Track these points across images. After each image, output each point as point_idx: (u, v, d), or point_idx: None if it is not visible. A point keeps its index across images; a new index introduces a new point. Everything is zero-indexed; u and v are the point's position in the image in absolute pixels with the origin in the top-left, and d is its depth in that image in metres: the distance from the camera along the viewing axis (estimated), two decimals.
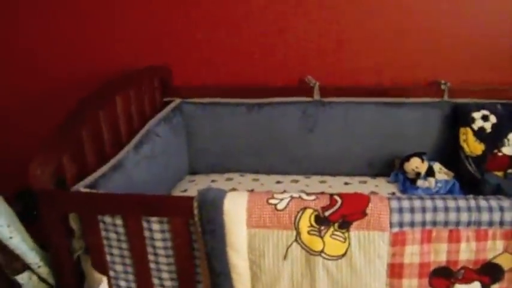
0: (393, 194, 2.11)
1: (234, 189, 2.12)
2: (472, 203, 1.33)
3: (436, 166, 2.17)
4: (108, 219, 1.54)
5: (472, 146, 2.11)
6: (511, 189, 1.97)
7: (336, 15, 2.26)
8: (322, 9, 2.26)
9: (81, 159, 1.74)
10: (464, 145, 2.13)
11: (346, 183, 2.25)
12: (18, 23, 2.43)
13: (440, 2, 2.20)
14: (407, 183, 2.14)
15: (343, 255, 1.36)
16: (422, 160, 2.14)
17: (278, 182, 2.28)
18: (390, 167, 2.26)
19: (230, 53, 2.38)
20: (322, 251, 1.35)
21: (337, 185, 2.23)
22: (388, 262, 1.36)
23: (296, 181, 2.29)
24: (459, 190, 2.08)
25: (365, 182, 2.25)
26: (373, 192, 2.12)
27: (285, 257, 1.38)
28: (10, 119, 2.58)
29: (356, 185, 2.22)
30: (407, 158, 2.15)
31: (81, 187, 1.59)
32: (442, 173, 2.16)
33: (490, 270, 1.36)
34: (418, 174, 2.12)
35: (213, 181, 2.32)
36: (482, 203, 1.33)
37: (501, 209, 1.32)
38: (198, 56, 2.40)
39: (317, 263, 1.36)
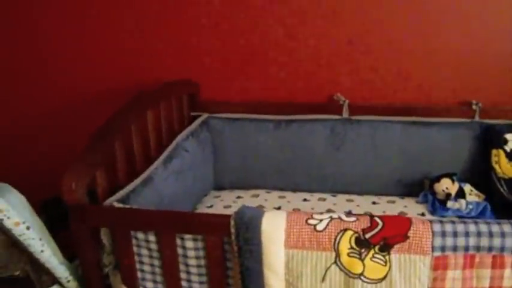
0: (422, 214, 2.08)
1: (261, 206, 2.12)
2: None
3: (467, 187, 2.14)
4: (140, 235, 1.52)
5: (505, 167, 2.08)
6: None
7: (366, 33, 2.25)
8: (354, 28, 2.25)
9: (113, 173, 1.73)
10: (497, 167, 2.10)
11: (374, 203, 2.22)
12: (58, 33, 2.46)
13: (471, 21, 2.18)
14: (437, 204, 2.10)
15: (383, 278, 1.33)
16: (453, 181, 2.11)
17: (305, 200, 2.26)
18: (419, 187, 2.23)
19: (258, 68, 2.37)
20: (361, 274, 1.33)
21: (364, 204, 2.20)
22: (429, 286, 1.33)
23: (323, 199, 2.26)
24: (490, 212, 2.05)
25: (393, 202, 2.22)
26: (402, 213, 2.09)
27: (323, 279, 1.35)
28: (41, 127, 2.59)
29: (384, 205, 2.19)
30: (438, 179, 2.12)
31: (113, 202, 1.58)
32: (473, 195, 2.13)
33: None
34: (448, 196, 2.08)
35: (238, 197, 2.30)
36: None
37: None
38: (226, 70, 2.39)
39: (356, 286, 1.34)
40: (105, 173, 1.65)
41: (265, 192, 2.34)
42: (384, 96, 2.30)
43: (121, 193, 1.67)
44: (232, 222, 1.39)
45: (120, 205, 1.56)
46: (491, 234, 1.29)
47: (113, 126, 1.76)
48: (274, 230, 1.36)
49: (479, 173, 2.18)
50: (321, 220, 1.35)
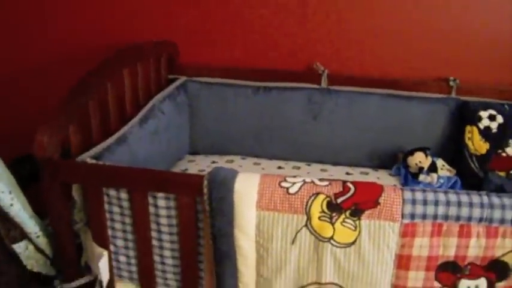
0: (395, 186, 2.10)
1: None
2: (485, 199, 1.32)
3: (439, 162, 2.16)
4: (112, 192, 1.52)
5: (477, 144, 2.11)
6: None
7: (350, 5, 2.24)
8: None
9: (87, 130, 1.71)
10: (469, 143, 2.12)
11: (347, 173, 2.24)
12: None
13: None
14: (409, 177, 2.13)
15: (353, 243, 1.35)
16: (426, 155, 2.13)
17: (279, 168, 2.26)
18: (392, 160, 2.25)
19: (239, 34, 2.34)
20: (331, 238, 1.34)
21: (338, 174, 2.22)
22: (397, 253, 1.36)
23: (298, 168, 2.27)
24: (460, 187, 2.08)
25: (367, 174, 2.24)
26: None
27: (293, 242, 1.37)
28: (16, 84, 2.54)
29: (357, 176, 2.21)
30: (411, 152, 2.14)
31: (87, 158, 1.56)
32: (444, 170, 2.16)
33: (497, 268, 1.36)
34: (420, 169, 2.11)
35: (213, 162, 2.30)
36: (496, 200, 1.32)
37: None
38: (206, 34, 2.36)
39: (325, 250, 1.35)
40: (79, 131, 1.63)
41: (241, 159, 2.34)
42: (362, 68, 2.30)
43: (94, 150, 1.65)
44: (205, 182, 1.39)
45: (93, 161, 1.54)
46: (459, 204, 1.32)
47: (88, 83, 1.73)
48: (246, 191, 1.36)
49: (452, 149, 2.21)
50: (294, 183, 1.36)
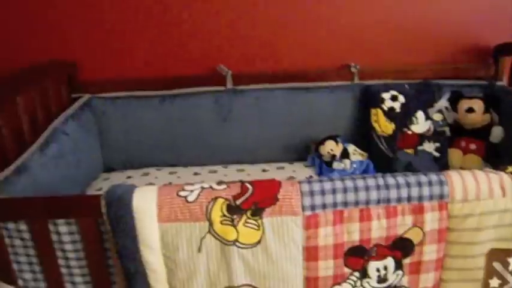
0: (311, 177, 2.13)
1: (151, 184, 2.08)
2: (380, 181, 1.35)
3: (351, 148, 2.20)
4: (11, 225, 1.45)
5: (383, 125, 2.16)
6: (421, 165, 2.04)
7: (246, 4, 2.24)
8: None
9: None
10: (376, 125, 2.17)
11: (264, 170, 2.25)
12: None
13: None
14: (324, 166, 2.16)
15: (258, 242, 1.34)
16: (337, 142, 2.16)
17: (196, 174, 2.24)
18: (307, 152, 2.27)
19: (139, 44, 2.31)
20: (236, 240, 1.33)
21: (255, 172, 2.23)
22: (304, 246, 1.36)
23: (214, 171, 2.26)
24: (373, 170, 2.13)
25: (283, 168, 2.26)
26: (291, 178, 2.13)
27: (199, 250, 1.35)
28: None
29: (274, 172, 2.23)
30: (322, 142, 2.17)
31: None
32: (356, 154, 2.20)
33: (401, 245, 1.39)
34: (333, 157, 2.14)
35: (128, 177, 2.25)
36: (390, 180, 1.35)
37: (408, 185, 1.34)
38: (106, 49, 2.31)
39: (232, 253, 1.34)
40: None
41: (156, 170, 2.30)
42: (265, 65, 2.31)
43: None
44: (102, 202, 1.35)
45: None
46: (356, 189, 1.34)
47: None
48: (145, 205, 1.33)
49: (361, 133, 2.26)
50: (191, 191, 1.34)
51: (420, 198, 1.35)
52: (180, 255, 1.35)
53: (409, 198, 1.35)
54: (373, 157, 2.18)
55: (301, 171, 2.21)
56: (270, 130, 2.28)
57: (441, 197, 1.35)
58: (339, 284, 1.41)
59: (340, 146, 2.16)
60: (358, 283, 1.42)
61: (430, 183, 1.35)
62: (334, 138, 2.17)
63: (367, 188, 1.34)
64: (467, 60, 2.34)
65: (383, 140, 2.15)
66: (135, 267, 1.38)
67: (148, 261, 1.37)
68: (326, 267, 1.38)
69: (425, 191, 1.35)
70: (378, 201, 1.34)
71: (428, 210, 1.36)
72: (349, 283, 1.42)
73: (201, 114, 2.27)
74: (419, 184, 1.35)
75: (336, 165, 2.13)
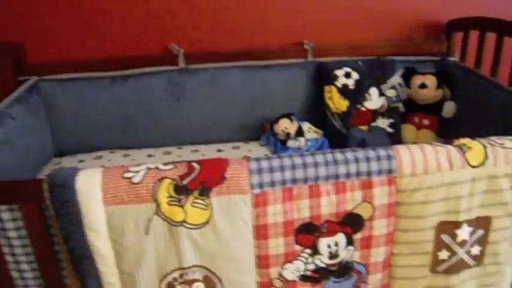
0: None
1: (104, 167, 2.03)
2: (329, 157, 1.34)
3: (306, 126, 2.19)
4: None
5: (337, 102, 2.16)
6: (374, 141, 2.05)
7: None
8: None
9: None
10: (330, 103, 2.17)
11: (219, 150, 2.22)
12: None
13: None
14: (279, 145, 2.15)
15: (207, 222, 1.32)
16: (291, 120, 2.15)
17: (150, 156, 2.21)
18: (261, 130, 2.26)
19: (89, 25, 2.24)
20: (184, 221, 1.31)
21: (210, 153, 2.20)
22: (253, 224, 1.35)
23: (169, 152, 2.23)
24: (328, 147, 2.13)
25: (238, 148, 2.24)
26: (246, 157, 2.10)
27: (147, 232, 1.32)
28: None
29: (229, 151, 2.21)
30: (276, 120, 2.16)
31: None
32: (311, 132, 2.19)
33: (351, 221, 1.39)
34: (288, 135, 2.13)
35: (80, 161, 2.20)
36: (339, 156, 1.34)
37: (356, 160, 1.34)
38: (53, 30, 2.24)
39: (180, 234, 1.32)
40: None
41: (109, 153, 2.26)
42: (218, 43, 2.27)
43: None
44: (45, 186, 1.30)
45: None
46: (305, 166, 1.32)
47: None
48: (89, 188, 1.29)
49: (316, 111, 2.25)
50: (137, 172, 1.31)
51: (369, 173, 1.35)
52: (128, 238, 1.32)
53: (358, 174, 1.35)
54: (327, 134, 2.18)
55: (257, 150, 2.20)
56: (225, 109, 2.25)
57: (389, 171, 1.35)
58: (291, 261, 1.41)
59: (295, 124, 2.15)
60: (310, 260, 1.41)
61: (378, 158, 1.35)
62: (288, 116, 2.16)
63: (315, 165, 1.33)
64: (420, 36, 2.36)
65: (337, 117, 2.15)
66: (83, 252, 1.34)
67: (96, 246, 1.33)
68: (277, 245, 1.37)
69: (374, 166, 1.35)
70: (327, 177, 1.34)
71: (377, 185, 1.36)
72: (301, 260, 1.41)
73: (153, 95, 2.22)
74: (368, 159, 1.35)
75: (290, 143, 2.12)
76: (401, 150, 1.37)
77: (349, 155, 1.35)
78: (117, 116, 2.24)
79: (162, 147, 2.27)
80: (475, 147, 1.40)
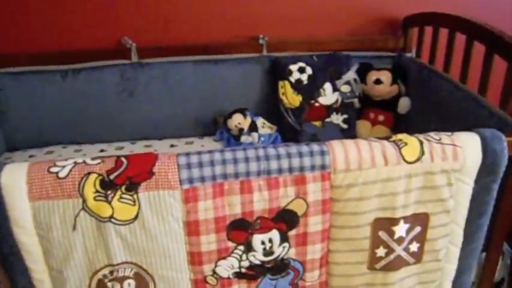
0: None
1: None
2: (261, 152, 1.32)
3: (259, 121, 2.18)
4: None
5: (291, 98, 2.14)
6: (326, 137, 2.03)
7: None
8: None
9: None
10: (284, 98, 2.15)
11: (172, 146, 2.20)
12: None
13: None
14: (232, 140, 2.13)
15: (135, 218, 1.29)
16: (245, 116, 2.14)
17: (102, 151, 2.18)
18: (215, 126, 2.23)
19: (39, 16, 2.20)
20: (111, 217, 1.28)
21: (163, 148, 2.18)
22: (184, 220, 1.32)
23: (121, 148, 2.21)
24: (281, 142, 2.11)
25: (192, 143, 2.22)
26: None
27: (74, 228, 1.29)
28: None
29: (182, 147, 2.19)
30: (230, 115, 2.14)
31: None
32: (265, 127, 2.18)
33: (285, 217, 1.37)
34: (241, 130, 2.11)
35: (31, 156, 2.17)
36: (271, 151, 1.32)
37: (288, 156, 1.32)
38: (2, 22, 2.19)
39: (108, 230, 1.29)
40: None
41: (61, 148, 2.23)
42: (172, 37, 2.25)
43: None
44: None
45: None
46: (236, 161, 1.30)
47: None
48: (14, 183, 1.26)
49: (271, 106, 2.24)
50: (63, 166, 1.28)
51: (302, 168, 1.33)
52: (55, 234, 1.29)
53: (290, 169, 1.33)
54: (281, 130, 2.17)
55: (210, 145, 2.18)
56: (178, 104, 2.23)
57: (323, 167, 1.34)
58: (224, 258, 1.38)
59: (248, 120, 2.14)
60: (244, 257, 1.39)
61: (311, 154, 1.33)
62: (242, 111, 2.14)
63: (246, 160, 1.31)
64: (377, 32, 2.35)
65: (290, 112, 2.14)
66: (9, 249, 1.31)
67: (23, 242, 1.30)
68: (208, 242, 1.35)
69: (307, 161, 1.33)
70: (259, 173, 1.32)
71: (311, 181, 1.34)
72: (235, 257, 1.39)
73: (105, 89, 2.19)
74: (301, 154, 1.33)
75: (243, 138, 2.10)
76: (335, 145, 1.35)
77: (282, 150, 1.33)
78: (69, 110, 2.21)
79: (115, 143, 2.24)
80: (411, 142, 1.38)
